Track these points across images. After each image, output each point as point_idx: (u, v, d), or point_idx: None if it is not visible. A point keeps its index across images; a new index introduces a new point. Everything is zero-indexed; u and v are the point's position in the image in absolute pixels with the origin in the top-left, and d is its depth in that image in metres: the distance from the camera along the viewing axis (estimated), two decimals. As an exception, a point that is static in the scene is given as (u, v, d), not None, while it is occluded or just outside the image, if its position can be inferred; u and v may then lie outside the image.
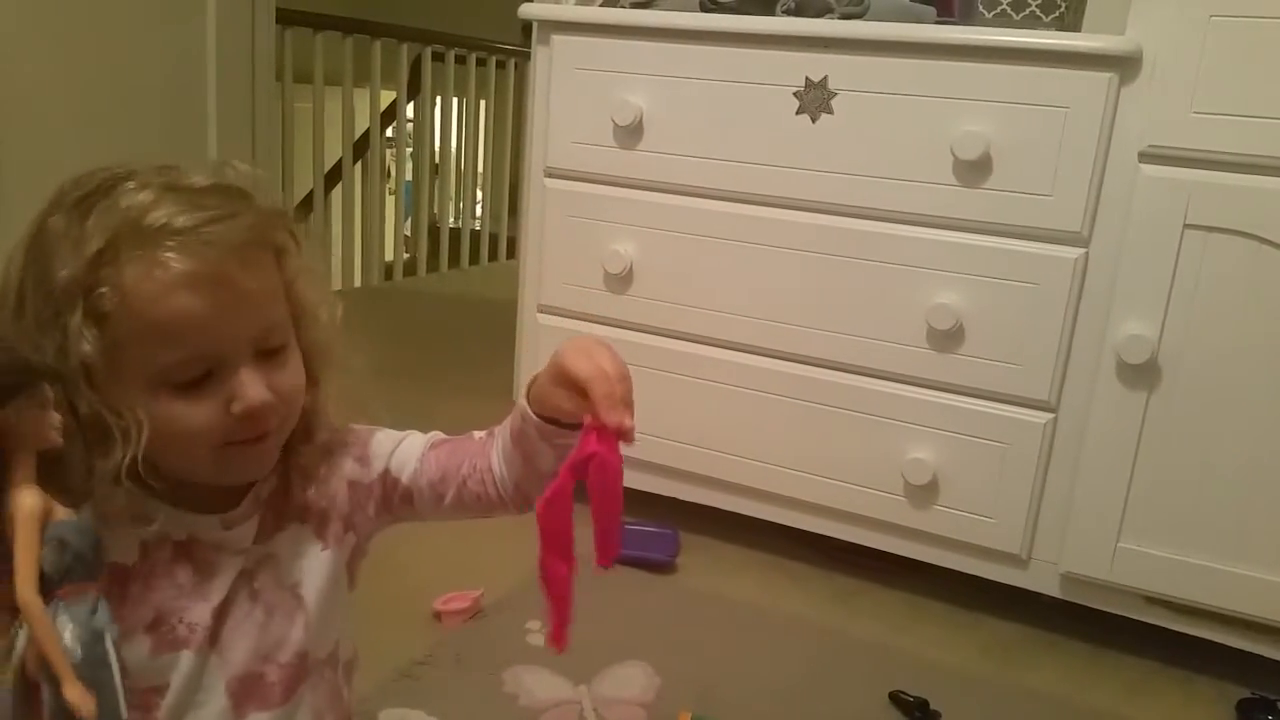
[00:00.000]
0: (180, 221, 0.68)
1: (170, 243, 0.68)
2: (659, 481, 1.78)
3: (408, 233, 4.78)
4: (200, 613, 0.77)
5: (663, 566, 1.67)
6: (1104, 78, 1.37)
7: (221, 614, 0.78)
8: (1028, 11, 1.55)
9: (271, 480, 0.81)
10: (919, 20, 1.59)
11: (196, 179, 0.73)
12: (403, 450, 0.87)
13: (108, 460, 0.68)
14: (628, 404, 0.73)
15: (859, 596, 1.65)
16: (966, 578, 1.60)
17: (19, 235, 0.72)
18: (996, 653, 1.52)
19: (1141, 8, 1.35)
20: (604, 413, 0.71)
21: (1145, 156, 1.36)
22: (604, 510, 0.73)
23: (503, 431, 0.85)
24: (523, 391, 0.81)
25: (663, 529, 1.73)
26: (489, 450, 0.85)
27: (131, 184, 0.70)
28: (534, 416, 0.80)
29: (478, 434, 0.88)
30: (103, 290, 0.68)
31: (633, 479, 1.95)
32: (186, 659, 0.77)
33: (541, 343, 1.82)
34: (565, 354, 0.76)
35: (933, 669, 1.43)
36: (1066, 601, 1.53)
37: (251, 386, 0.72)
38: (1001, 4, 1.57)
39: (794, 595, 1.64)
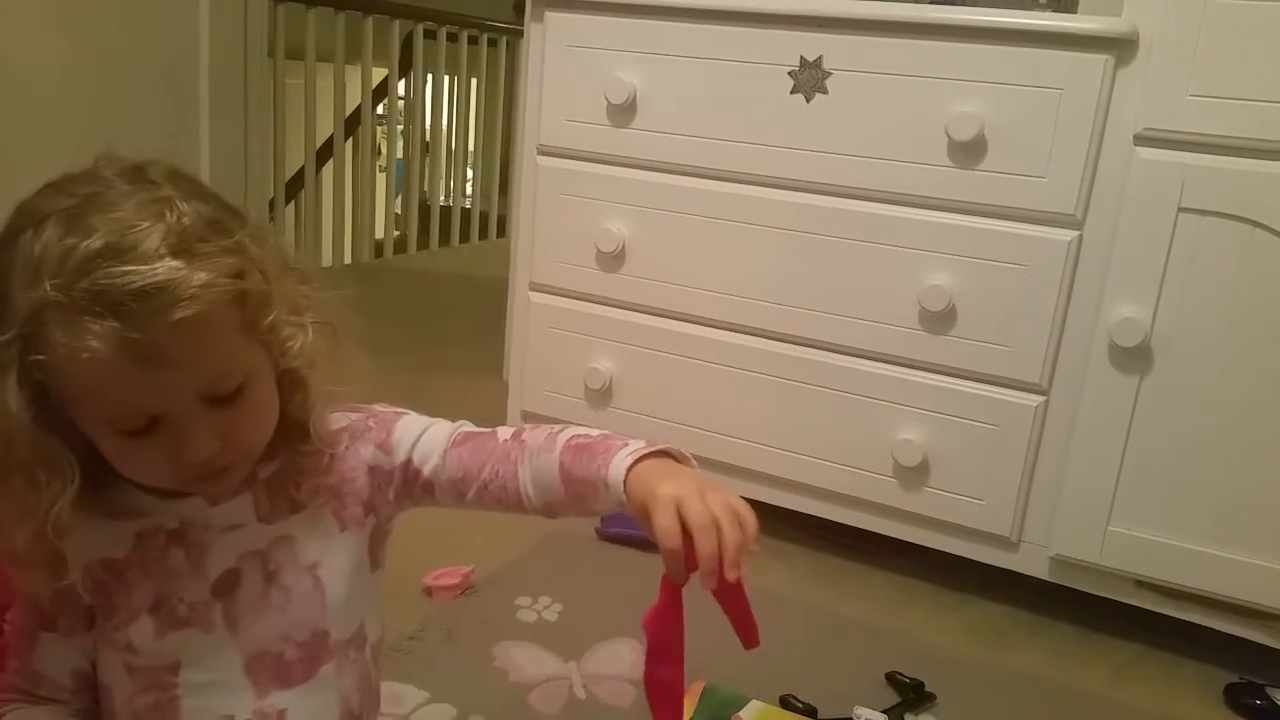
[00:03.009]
0: (115, 292, 0.63)
1: (96, 326, 0.63)
2: (650, 461, 1.78)
3: (398, 210, 4.76)
4: (198, 591, 0.77)
5: (652, 545, 1.66)
6: (1099, 59, 1.36)
7: (231, 592, 0.78)
8: (1025, -8, 1.54)
9: (275, 462, 0.79)
10: (915, 1, 1.58)
11: (152, 223, 0.66)
12: (426, 441, 0.84)
13: (38, 496, 0.69)
14: (733, 557, 0.69)
15: (848, 576, 1.66)
16: (955, 559, 1.60)
17: None
18: (985, 634, 1.52)
19: (1139, -11, 1.35)
20: (701, 577, 0.69)
21: (1140, 139, 1.36)
22: (733, 608, 0.73)
23: (539, 458, 0.81)
24: (625, 461, 0.76)
25: (653, 508, 1.72)
26: (516, 464, 0.82)
27: (87, 221, 0.65)
28: (624, 498, 0.76)
29: (502, 433, 0.85)
30: (35, 358, 0.65)
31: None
32: (195, 637, 0.77)
33: (533, 320, 1.82)
34: (657, 503, 0.71)
35: (922, 649, 1.44)
36: (1055, 584, 1.54)
37: (194, 443, 0.69)
38: (998, -15, 1.56)
39: (783, 575, 1.64)
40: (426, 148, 4.40)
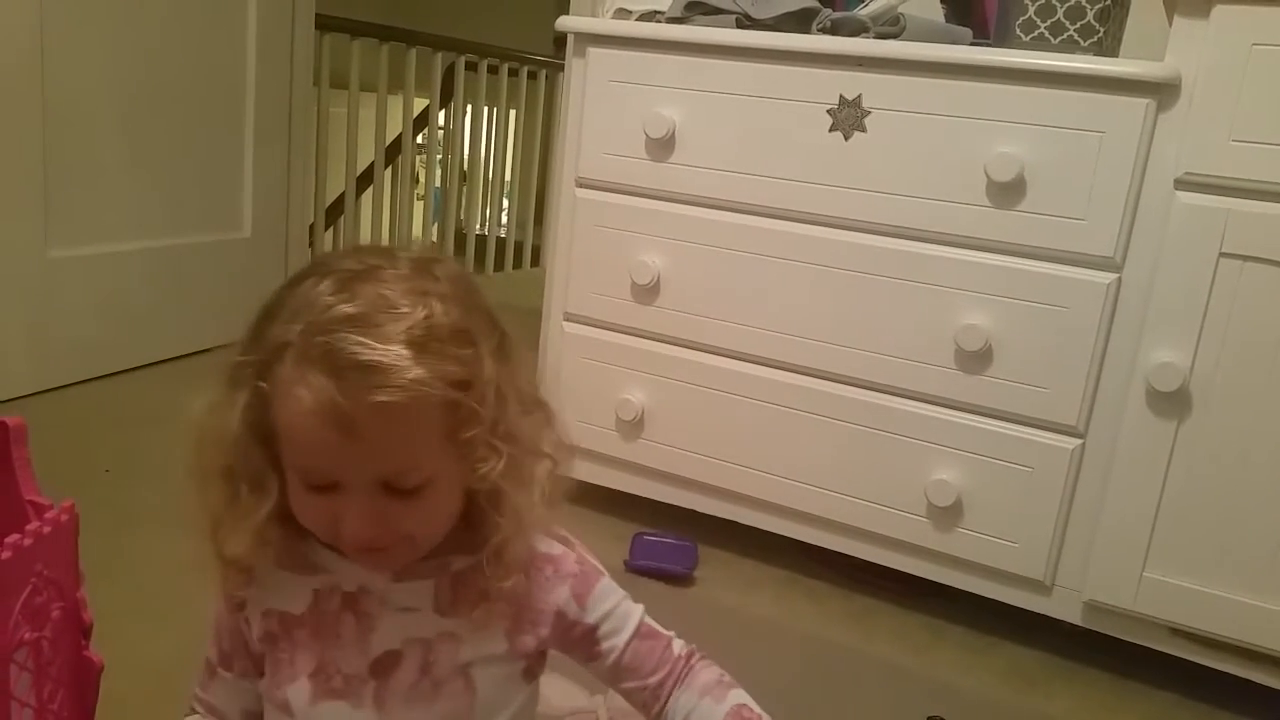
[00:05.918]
0: (341, 355, 0.68)
1: (318, 379, 0.68)
2: (679, 493, 1.78)
3: (435, 238, 4.81)
4: (356, 664, 0.78)
5: (680, 579, 1.66)
6: (1141, 103, 1.36)
7: (387, 674, 0.79)
8: (1065, 36, 1.54)
9: (469, 558, 0.79)
10: (955, 42, 1.59)
11: (408, 310, 0.70)
12: (617, 617, 0.85)
13: (241, 505, 0.75)
14: None
15: (877, 616, 1.64)
16: (986, 602, 1.58)
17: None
18: (1015, 679, 1.50)
19: (1181, 35, 1.34)
20: None
21: (1181, 183, 1.35)
22: None
23: (702, 702, 0.84)
24: None
25: (681, 541, 1.72)
26: (678, 683, 0.85)
27: (357, 288, 0.71)
28: None
29: (676, 646, 0.88)
30: (261, 385, 0.71)
31: (651, 489, 1.94)
32: (343, 710, 0.78)
33: (566, 350, 1.83)
34: None
35: (952, 693, 1.42)
36: (1088, 629, 1.52)
37: (353, 523, 0.72)
38: (1039, 28, 1.57)
39: (811, 613, 1.63)
40: (464, 177, 4.44)
